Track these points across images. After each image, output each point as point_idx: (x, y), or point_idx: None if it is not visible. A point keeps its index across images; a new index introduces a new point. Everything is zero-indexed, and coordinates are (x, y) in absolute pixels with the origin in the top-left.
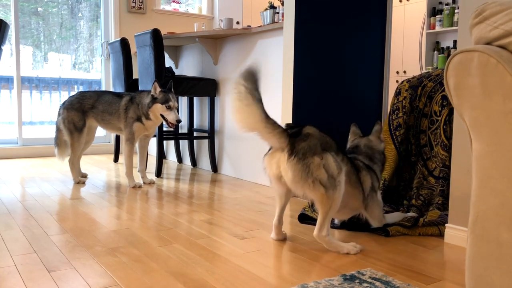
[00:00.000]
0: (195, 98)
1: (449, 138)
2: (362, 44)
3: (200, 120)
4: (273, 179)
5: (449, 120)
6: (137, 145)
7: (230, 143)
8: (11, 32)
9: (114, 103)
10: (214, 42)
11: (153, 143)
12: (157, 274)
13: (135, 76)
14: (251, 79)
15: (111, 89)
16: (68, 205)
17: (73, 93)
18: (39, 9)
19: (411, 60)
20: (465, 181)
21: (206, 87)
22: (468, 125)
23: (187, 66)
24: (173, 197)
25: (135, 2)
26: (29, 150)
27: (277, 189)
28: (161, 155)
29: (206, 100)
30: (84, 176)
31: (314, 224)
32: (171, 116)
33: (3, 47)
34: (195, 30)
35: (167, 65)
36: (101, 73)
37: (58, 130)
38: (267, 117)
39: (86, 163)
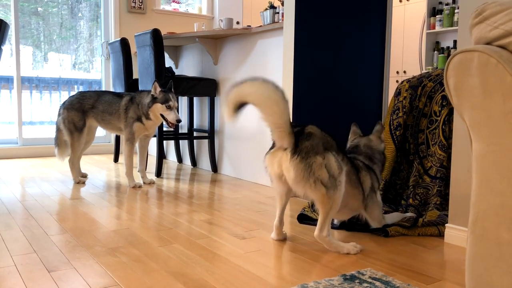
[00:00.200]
0: (195, 98)
1: (447, 138)
2: (362, 44)
3: (200, 120)
4: (274, 178)
5: (448, 120)
6: (137, 145)
7: (230, 143)
8: (11, 32)
9: (114, 103)
10: (214, 42)
11: (153, 143)
12: (157, 274)
13: (135, 76)
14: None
15: (111, 89)
16: (68, 205)
17: (73, 93)
18: (39, 9)
19: (411, 60)
20: (465, 181)
21: (206, 87)
22: (468, 125)
23: (187, 66)
24: (173, 197)
25: (135, 2)
26: (29, 150)
27: (278, 188)
28: (161, 155)
29: (206, 100)
30: (84, 176)
31: (314, 225)
32: (171, 116)
33: (3, 47)
34: (195, 30)
35: (167, 65)
36: (101, 73)
37: (58, 130)
38: (289, 118)
39: (86, 163)
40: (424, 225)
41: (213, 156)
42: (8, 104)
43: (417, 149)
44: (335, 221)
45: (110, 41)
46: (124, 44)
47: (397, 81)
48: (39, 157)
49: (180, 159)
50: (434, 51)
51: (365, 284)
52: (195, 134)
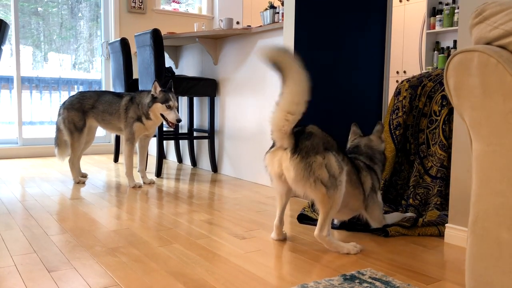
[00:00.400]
0: (195, 98)
1: (447, 138)
2: (362, 44)
3: (200, 120)
4: (274, 177)
5: (448, 120)
6: (137, 145)
7: (230, 143)
8: (11, 32)
9: (114, 103)
10: (214, 42)
11: (153, 143)
12: (157, 274)
13: (135, 76)
14: None
15: (111, 89)
16: (68, 205)
17: (73, 93)
18: (39, 9)
19: (411, 60)
20: (465, 181)
21: (206, 87)
22: (468, 125)
23: (187, 66)
24: (173, 197)
25: (135, 2)
26: (29, 150)
27: (278, 188)
28: (161, 155)
29: (206, 100)
30: (84, 176)
31: (314, 225)
32: (171, 116)
33: (3, 47)
34: (195, 30)
35: (167, 65)
36: (101, 73)
37: (58, 130)
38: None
39: (86, 163)
40: (424, 225)
41: (213, 156)
42: (8, 104)
43: (418, 149)
44: (335, 221)
45: (110, 41)
46: (124, 44)
47: (397, 81)
48: (39, 157)
49: (180, 159)
50: (434, 51)
51: (365, 284)
52: (195, 134)
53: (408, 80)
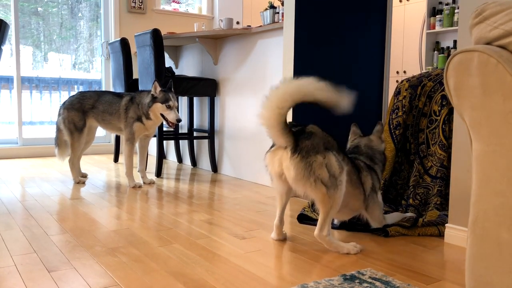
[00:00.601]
0: (195, 98)
1: (447, 137)
2: (362, 44)
3: (200, 120)
4: (275, 176)
5: (448, 120)
6: (137, 145)
7: (230, 143)
8: (11, 32)
9: (114, 103)
10: (214, 42)
11: (153, 143)
12: (157, 274)
13: (135, 76)
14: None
15: (111, 89)
16: (68, 205)
17: (73, 93)
18: (39, 9)
19: (411, 60)
20: (465, 181)
21: (206, 87)
22: (468, 125)
23: (187, 66)
24: (173, 197)
25: (135, 2)
26: (29, 150)
27: (278, 187)
28: (161, 155)
29: (206, 100)
30: (84, 176)
31: (314, 225)
32: (171, 116)
33: (3, 47)
34: (195, 30)
35: (167, 65)
36: (101, 73)
37: (58, 130)
38: (285, 119)
39: (86, 163)
40: (424, 225)
41: (213, 156)
42: (8, 104)
43: (418, 149)
44: (335, 221)
45: (110, 41)
46: (124, 44)
47: (397, 81)
48: (39, 157)
49: (180, 159)
50: (434, 51)
51: (365, 284)
52: (195, 134)
53: (408, 80)
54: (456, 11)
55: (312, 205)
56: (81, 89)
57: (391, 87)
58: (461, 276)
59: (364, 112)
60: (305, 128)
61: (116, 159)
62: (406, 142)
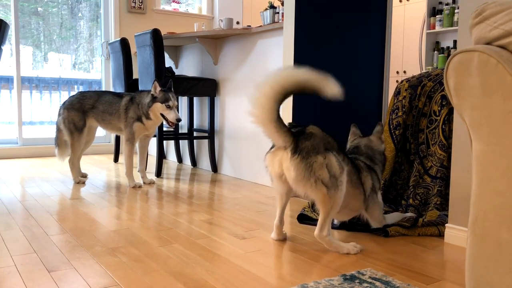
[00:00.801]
0: (195, 98)
1: (447, 137)
2: (362, 44)
3: (200, 120)
4: (275, 177)
5: (448, 120)
6: (137, 145)
7: (230, 143)
8: (11, 32)
9: (114, 103)
10: (214, 42)
11: (153, 143)
12: (157, 274)
13: (135, 76)
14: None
15: (111, 89)
16: (68, 205)
17: (73, 93)
18: (39, 9)
19: (411, 60)
20: (465, 181)
21: (206, 87)
22: (468, 125)
23: (187, 66)
24: (173, 197)
25: (135, 2)
26: (29, 150)
27: (278, 188)
28: (161, 155)
29: (206, 100)
30: (84, 176)
31: (314, 225)
32: (171, 115)
33: (3, 47)
34: (195, 30)
35: (167, 65)
36: (101, 73)
37: (58, 130)
38: (278, 116)
39: (86, 163)
40: (424, 225)
41: (213, 156)
42: (8, 104)
43: (418, 149)
44: (335, 222)
45: (110, 41)
46: (124, 44)
47: (397, 81)
48: (39, 157)
49: (180, 159)
50: (434, 51)
51: (365, 284)
52: (195, 134)
53: (408, 80)
54: (456, 11)
55: (312, 205)
56: (81, 89)
57: (391, 87)
58: (461, 276)
59: (364, 112)
60: (305, 129)
61: (116, 159)
62: (406, 142)
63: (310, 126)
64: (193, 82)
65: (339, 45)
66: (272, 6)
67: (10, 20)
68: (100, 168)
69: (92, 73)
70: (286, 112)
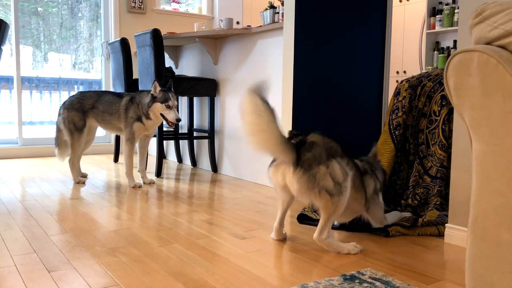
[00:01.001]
0: (195, 98)
1: (447, 138)
2: (362, 44)
3: (200, 120)
4: (279, 188)
5: (448, 120)
6: (137, 145)
7: (230, 143)
8: (11, 32)
9: (114, 103)
10: (214, 42)
11: (153, 143)
12: (157, 274)
13: (135, 76)
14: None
15: (111, 89)
16: (68, 205)
17: (73, 93)
18: (39, 9)
19: (411, 60)
20: (465, 181)
21: (206, 87)
22: (468, 125)
23: (187, 66)
24: (173, 197)
25: (135, 2)
26: (29, 150)
27: (282, 196)
28: (161, 155)
29: (206, 100)
30: (84, 176)
31: (314, 225)
32: (170, 115)
33: (3, 47)
34: (195, 30)
35: (167, 65)
36: (101, 73)
37: (58, 130)
38: (282, 138)
39: (86, 163)
40: (424, 225)
41: (213, 156)
42: (8, 104)
43: (417, 149)
44: (335, 222)
45: (110, 41)
46: (124, 44)
47: (397, 81)
48: (39, 157)
49: (180, 159)
50: (434, 51)
51: (365, 284)
52: (195, 134)
53: (407, 80)
54: (456, 11)
55: (313, 206)
56: (81, 89)
57: (391, 87)
58: (461, 276)
59: (364, 112)
60: (306, 138)
61: (116, 159)
62: (406, 142)
63: (310, 134)
64: (193, 82)
65: (339, 45)
66: (272, 6)
67: (10, 20)
68: (100, 168)
69: (92, 73)
70: (286, 112)
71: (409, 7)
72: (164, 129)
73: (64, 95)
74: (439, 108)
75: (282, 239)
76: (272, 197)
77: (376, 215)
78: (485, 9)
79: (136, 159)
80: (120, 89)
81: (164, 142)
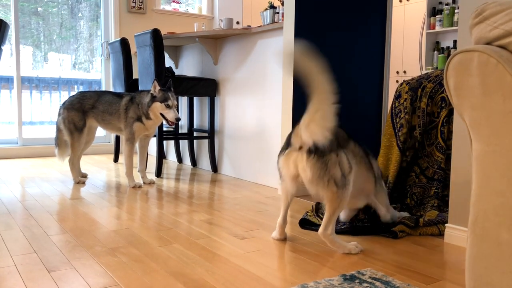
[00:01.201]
0: (195, 98)
1: (445, 140)
2: (362, 44)
3: (200, 120)
4: (288, 179)
5: (447, 122)
6: (137, 145)
7: (230, 143)
8: (11, 32)
9: (114, 103)
10: (214, 42)
11: (153, 143)
12: (157, 274)
13: (135, 76)
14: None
15: (111, 89)
16: (68, 205)
17: (73, 93)
18: (39, 9)
19: (411, 60)
20: (465, 182)
21: (206, 87)
22: (468, 125)
23: (187, 66)
24: (173, 197)
25: (135, 2)
26: (29, 150)
27: (289, 188)
28: (161, 155)
29: (206, 100)
30: (84, 176)
31: (315, 230)
32: (170, 115)
33: (3, 47)
34: (195, 30)
35: (167, 65)
36: (101, 73)
37: (58, 130)
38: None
39: (86, 163)
40: (425, 225)
41: (213, 156)
42: (8, 104)
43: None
44: (342, 217)
45: (110, 41)
46: (124, 44)
47: (397, 81)
48: (39, 157)
49: (180, 159)
50: (434, 51)
51: (365, 284)
52: (195, 134)
53: (407, 83)
54: (456, 11)
55: (316, 210)
56: (81, 89)
57: (391, 87)
58: (461, 276)
59: (364, 112)
60: None
61: (116, 159)
62: (415, 142)
63: None
64: (193, 82)
65: (339, 45)
66: (272, 6)
67: (10, 20)
68: (100, 168)
69: (92, 73)
70: (286, 112)
71: (409, 7)
72: (164, 129)
73: (64, 95)
74: (438, 110)
75: (283, 238)
76: (272, 197)
77: (383, 199)
78: (485, 9)
79: (136, 159)
80: (120, 89)
81: (164, 142)
